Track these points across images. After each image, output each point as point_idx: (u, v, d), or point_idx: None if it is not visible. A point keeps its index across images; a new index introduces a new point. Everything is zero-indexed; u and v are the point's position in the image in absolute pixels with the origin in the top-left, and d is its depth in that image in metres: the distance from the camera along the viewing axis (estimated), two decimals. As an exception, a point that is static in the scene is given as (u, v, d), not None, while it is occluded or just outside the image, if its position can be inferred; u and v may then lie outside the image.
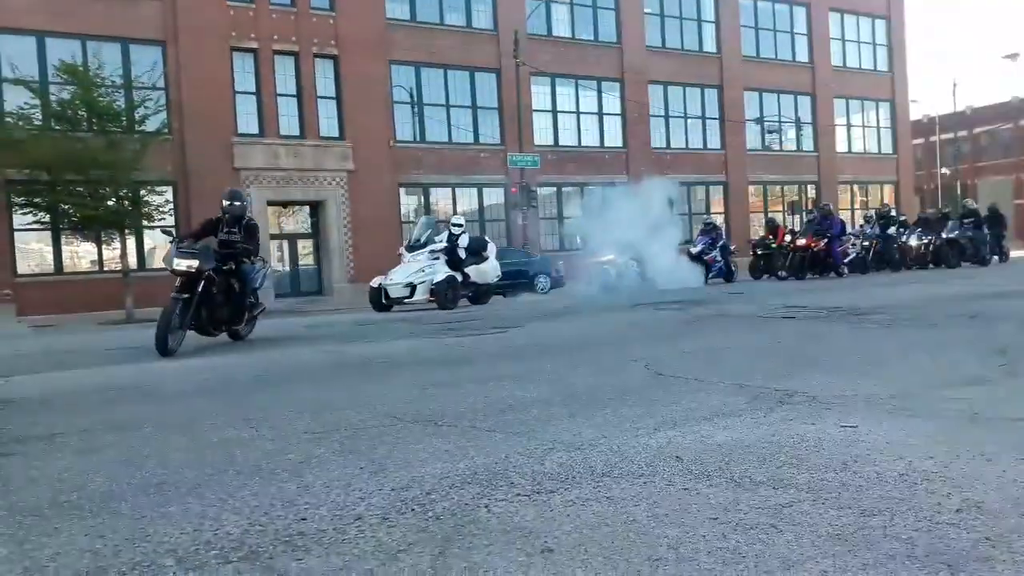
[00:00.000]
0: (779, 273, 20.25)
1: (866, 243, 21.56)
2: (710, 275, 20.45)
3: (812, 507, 2.25)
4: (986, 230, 23.51)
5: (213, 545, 2.17)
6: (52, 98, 18.92)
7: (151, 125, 20.04)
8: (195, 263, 8.31)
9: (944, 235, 22.42)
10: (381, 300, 14.65)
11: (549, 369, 5.55)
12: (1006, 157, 52.49)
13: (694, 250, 20.78)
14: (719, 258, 20.86)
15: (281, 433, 3.70)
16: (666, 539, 2.05)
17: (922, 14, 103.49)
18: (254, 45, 22.67)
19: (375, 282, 14.91)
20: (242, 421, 4.06)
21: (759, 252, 21.59)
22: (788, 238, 20.78)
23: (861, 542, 1.96)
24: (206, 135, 21.57)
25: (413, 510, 2.39)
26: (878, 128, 37.15)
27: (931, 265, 22.42)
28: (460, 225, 15.73)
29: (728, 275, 20.92)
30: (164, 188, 20.78)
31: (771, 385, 4.32)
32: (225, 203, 9.52)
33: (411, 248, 15.29)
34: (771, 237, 21.49)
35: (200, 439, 3.66)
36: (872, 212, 25.83)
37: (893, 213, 24.85)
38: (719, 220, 29.11)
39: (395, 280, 14.57)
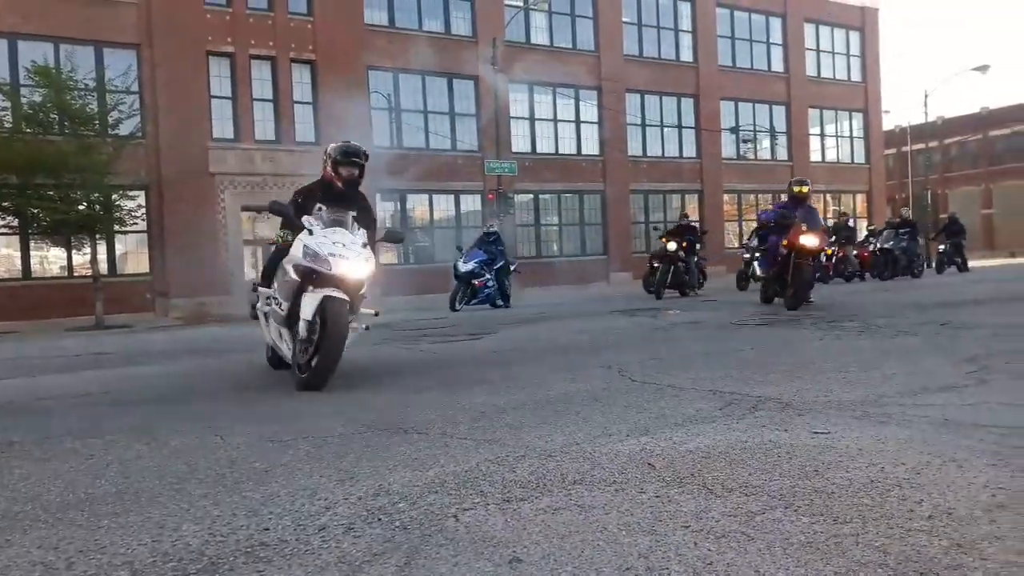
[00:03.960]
0: (693, 291, 17.24)
1: (746, 256, 18.72)
2: (470, 300, 16.13)
3: (784, 514, 2.22)
4: (946, 240, 23.55)
5: (171, 556, 2.10)
6: (23, 100, 18.60)
7: (124, 129, 19.74)
8: None
9: (879, 245, 21.34)
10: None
11: (522, 375, 5.51)
12: (975, 168, 53.29)
13: (463, 267, 16.17)
14: (491, 281, 16.34)
15: (247, 441, 3.62)
16: (637, 548, 2.01)
17: (896, 26, 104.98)
18: (230, 49, 22.47)
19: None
20: (207, 429, 3.98)
21: (655, 265, 17.95)
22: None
23: (833, 550, 1.93)
24: (180, 140, 21.33)
25: (379, 519, 2.34)
26: (851, 138, 37.56)
27: (858, 278, 21.23)
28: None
29: (502, 299, 16.47)
30: (137, 193, 20.48)
31: (744, 391, 4.30)
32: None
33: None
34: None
35: (163, 447, 3.57)
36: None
37: (851, 223, 24.59)
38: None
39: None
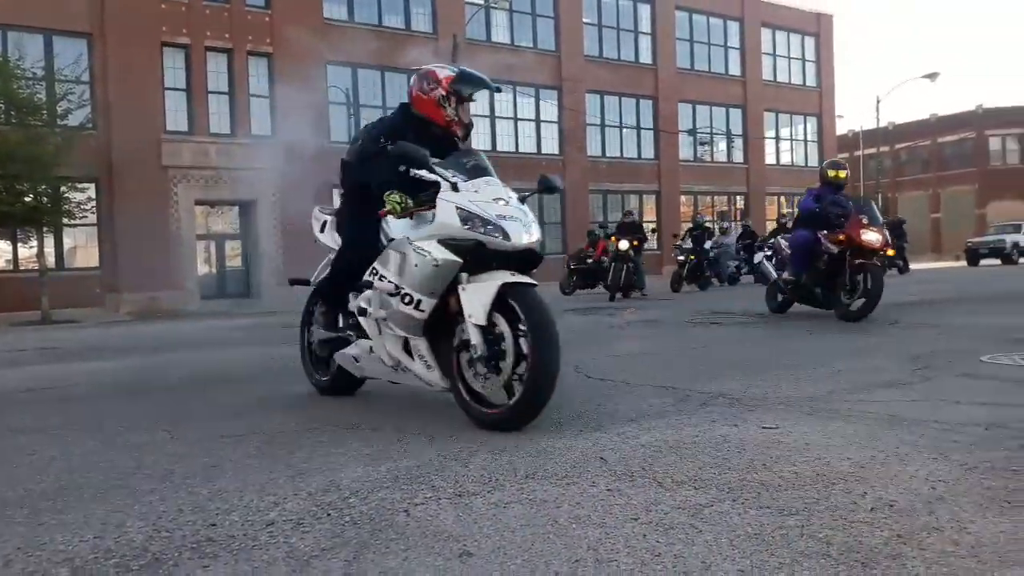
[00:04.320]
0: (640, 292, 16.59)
1: (680, 257, 19.30)
2: None
3: (732, 507, 2.26)
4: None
5: (114, 553, 2.06)
6: (-33, 89, 18.05)
7: (74, 120, 19.28)
8: None
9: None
10: None
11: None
12: (924, 172, 54.69)
13: None
14: None
15: (197, 436, 3.57)
16: (587, 540, 2.02)
17: (850, 33, 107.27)
18: (186, 41, 22.06)
19: None
20: (156, 424, 3.91)
21: (572, 267, 18.37)
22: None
23: (779, 541, 1.97)
24: (133, 131, 20.86)
25: (329, 515, 2.32)
26: (805, 142, 38.26)
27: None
28: None
29: None
30: (87, 185, 19.99)
31: (696, 387, 4.36)
32: None
33: None
34: (590, 250, 18.44)
35: (110, 442, 3.50)
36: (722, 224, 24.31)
37: (727, 225, 24.43)
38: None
39: None
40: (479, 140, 27.72)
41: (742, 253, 21.61)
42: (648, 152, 32.51)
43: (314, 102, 23.58)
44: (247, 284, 23.50)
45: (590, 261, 18.20)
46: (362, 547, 2.03)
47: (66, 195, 18.72)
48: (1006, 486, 2.36)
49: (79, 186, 19.33)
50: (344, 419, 3.86)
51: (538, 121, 29.52)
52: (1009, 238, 32.26)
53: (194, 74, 22.25)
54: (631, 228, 17.26)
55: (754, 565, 1.82)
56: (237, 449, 3.26)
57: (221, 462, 3.04)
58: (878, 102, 38.88)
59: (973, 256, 32.49)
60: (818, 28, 37.82)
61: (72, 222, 19.60)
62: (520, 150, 29.02)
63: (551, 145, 29.80)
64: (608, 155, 31.37)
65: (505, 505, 2.35)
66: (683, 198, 33.45)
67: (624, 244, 16.03)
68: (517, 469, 2.77)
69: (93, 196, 20.31)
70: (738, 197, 35.30)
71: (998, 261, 31.37)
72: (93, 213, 20.22)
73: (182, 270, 21.74)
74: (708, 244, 20.47)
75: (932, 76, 36.24)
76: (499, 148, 28.44)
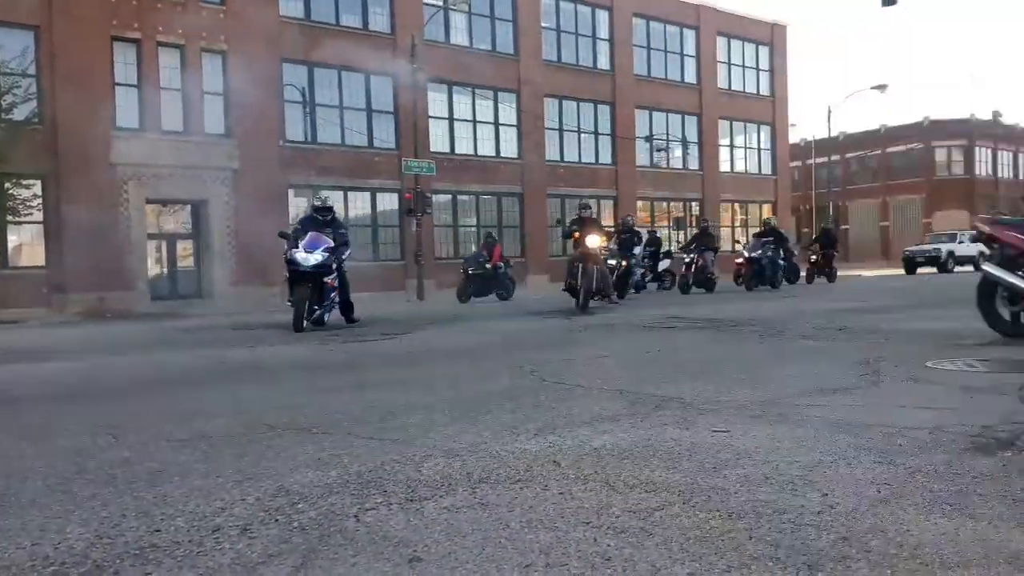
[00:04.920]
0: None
1: (611, 262, 18.13)
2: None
3: (682, 510, 2.27)
4: (820, 251, 24.21)
5: (52, 560, 2.00)
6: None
7: (20, 114, 18.76)
8: None
9: (747, 254, 20.81)
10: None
11: (433, 375, 5.48)
12: (874, 182, 56.06)
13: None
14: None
15: (143, 440, 3.48)
16: (538, 544, 2.02)
17: (804, 43, 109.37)
18: (137, 35, 21.57)
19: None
20: (101, 428, 3.80)
21: (470, 272, 17.99)
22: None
23: (727, 544, 1.99)
24: (81, 127, 20.31)
25: (277, 520, 2.28)
26: (759, 150, 38.88)
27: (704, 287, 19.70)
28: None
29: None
30: (32, 182, 19.46)
31: (649, 391, 4.39)
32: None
33: None
34: (485, 255, 18.19)
35: (52, 447, 3.40)
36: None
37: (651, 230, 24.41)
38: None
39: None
40: (437, 142, 27.67)
41: (647, 260, 21.08)
42: (606, 157, 32.74)
43: (269, 100, 23.31)
44: (199, 285, 23.06)
45: (489, 266, 17.55)
46: (310, 553, 2.00)
47: (10, 192, 18.20)
48: (948, 489, 2.42)
49: (24, 182, 18.80)
50: (296, 422, 3.81)
51: (497, 124, 29.53)
52: (944, 247, 32.70)
53: (145, 70, 21.78)
54: (592, 224, 13.73)
55: (702, 568, 1.84)
56: (182, 453, 3.19)
57: (167, 466, 2.97)
58: (830, 112, 39.82)
59: (910, 264, 32.87)
60: (772, 38, 38.49)
61: (17, 219, 19.05)
62: (479, 153, 29.00)
63: (510, 148, 29.83)
64: (566, 159, 31.52)
65: (457, 510, 2.34)
66: (640, 203, 33.74)
67: (594, 241, 12.91)
68: (470, 473, 2.75)
69: (39, 193, 19.77)
70: (694, 204, 35.73)
71: (935, 269, 31.88)
72: (39, 210, 19.68)
73: (132, 270, 21.25)
74: (637, 250, 19.48)
75: (881, 87, 37.19)
76: (457, 150, 28.40)
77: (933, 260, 32.42)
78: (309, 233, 10.39)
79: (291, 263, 10.14)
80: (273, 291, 21.02)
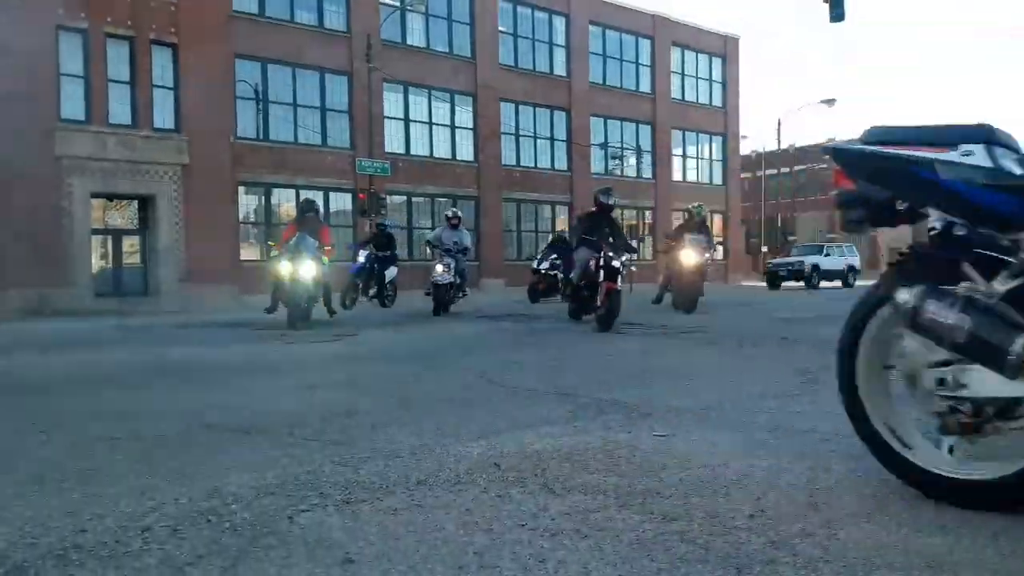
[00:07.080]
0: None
1: (543, 267, 18.72)
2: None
3: (618, 512, 2.29)
4: None
5: (-31, 562, 1.93)
6: None
7: (-45, 103, 18.13)
8: None
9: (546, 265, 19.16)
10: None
11: (380, 377, 5.45)
12: (823, 194, 57.30)
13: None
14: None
15: (75, 440, 3.39)
16: (472, 546, 2.02)
17: (756, 56, 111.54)
18: (83, 25, 21.03)
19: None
20: (31, 426, 3.70)
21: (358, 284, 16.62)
22: None
23: (659, 547, 2.01)
24: (22, 119, 19.66)
25: (209, 521, 2.24)
26: (711, 160, 39.51)
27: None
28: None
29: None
30: (-31, 173, 18.84)
31: (595, 395, 4.42)
32: None
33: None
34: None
35: (-23, 445, 3.29)
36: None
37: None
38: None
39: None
40: (392, 143, 27.51)
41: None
42: (561, 163, 32.92)
43: (220, 96, 22.94)
44: (145, 282, 22.56)
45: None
46: (241, 554, 1.97)
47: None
48: (875, 494, 2.48)
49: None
50: (236, 423, 3.75)
51: (453, 127, 29.49)
52: (809, 260, 29.83)
53: (92, 61, 21.25)
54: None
55: (633, 570, 1.86)
56: (116, 452, 3.12)
57: (99, 466, 2.90)
58: (779, 124, 40.70)
59: (772, 279, 29.96)
60: (724, 51, 39.15)
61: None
62: (435, 155, 28.92)
63: (466, 152, 29.82)
64: (522, 164, 31.61)
65: (394, 512, 2.33)
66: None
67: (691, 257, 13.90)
68: (410, 475, 2.74)
69: (-23, 186, 19.12)
70: (647, 212, 36.12)
71: (801, 283, 29.11)
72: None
73: (74, 266, 20.70)
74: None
75: (830, 102, 38.09)
76: (413, 151, 28.27)
77: (797, 274, 29.53)
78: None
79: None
80: (221, 288, 20.71)
